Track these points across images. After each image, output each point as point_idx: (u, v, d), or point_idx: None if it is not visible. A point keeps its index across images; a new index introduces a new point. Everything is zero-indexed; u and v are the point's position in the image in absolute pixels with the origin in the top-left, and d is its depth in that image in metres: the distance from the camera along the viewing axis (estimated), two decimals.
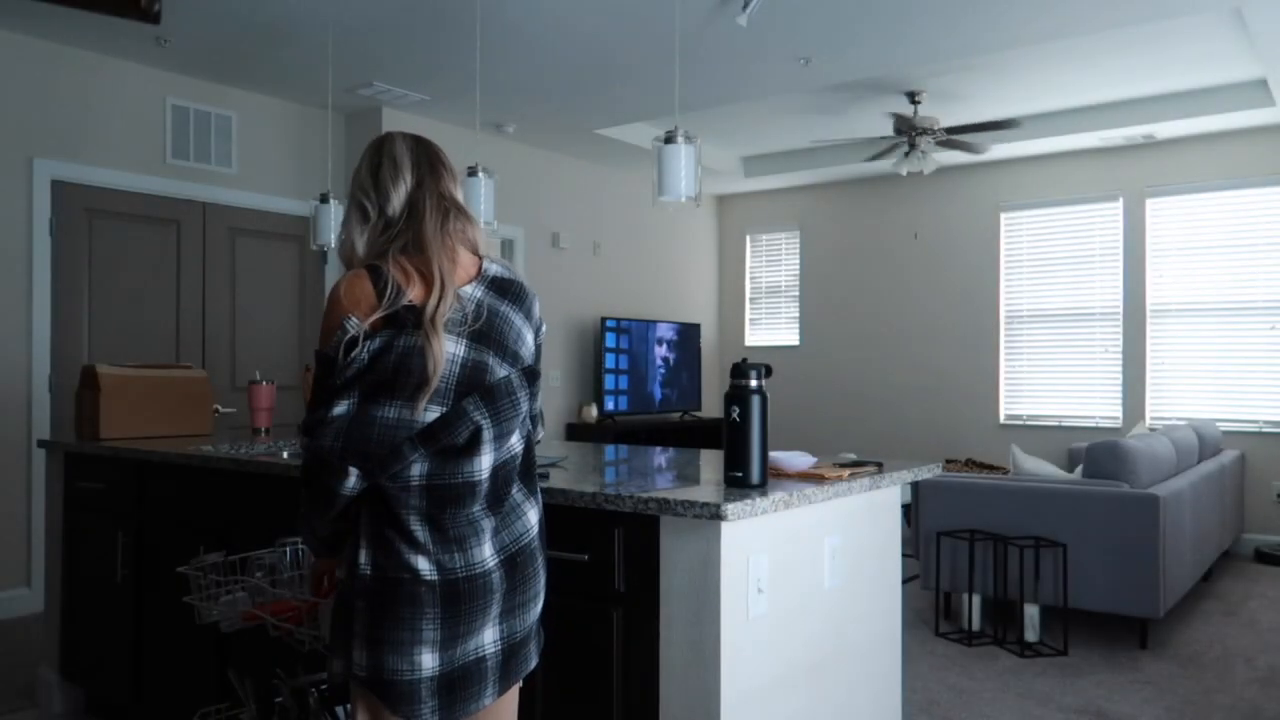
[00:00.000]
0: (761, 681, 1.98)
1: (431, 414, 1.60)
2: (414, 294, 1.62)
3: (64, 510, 3.54)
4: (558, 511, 2.02)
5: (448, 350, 1.61)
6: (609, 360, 7.51)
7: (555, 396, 7.46)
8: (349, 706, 2.14)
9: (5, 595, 4.87)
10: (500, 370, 1.68)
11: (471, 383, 1.63)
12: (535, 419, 1.83)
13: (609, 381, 7.51)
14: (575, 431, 7.45)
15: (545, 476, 2.20)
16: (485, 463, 1.63)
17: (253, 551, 2.41)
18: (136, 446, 3.18)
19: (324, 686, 2.30)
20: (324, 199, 3.99)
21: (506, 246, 7.11)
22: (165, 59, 5.27)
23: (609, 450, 3.06)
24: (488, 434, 1.63)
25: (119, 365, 3.55)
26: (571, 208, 7.61)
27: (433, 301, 1.61)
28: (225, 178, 5.74)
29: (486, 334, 1.68)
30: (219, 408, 4.54)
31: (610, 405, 7.52)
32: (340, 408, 1.60)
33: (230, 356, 5.77)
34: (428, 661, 1.59)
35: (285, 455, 2.93)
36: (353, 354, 1.59)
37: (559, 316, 7.49)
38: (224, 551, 2.50)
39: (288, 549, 2.35)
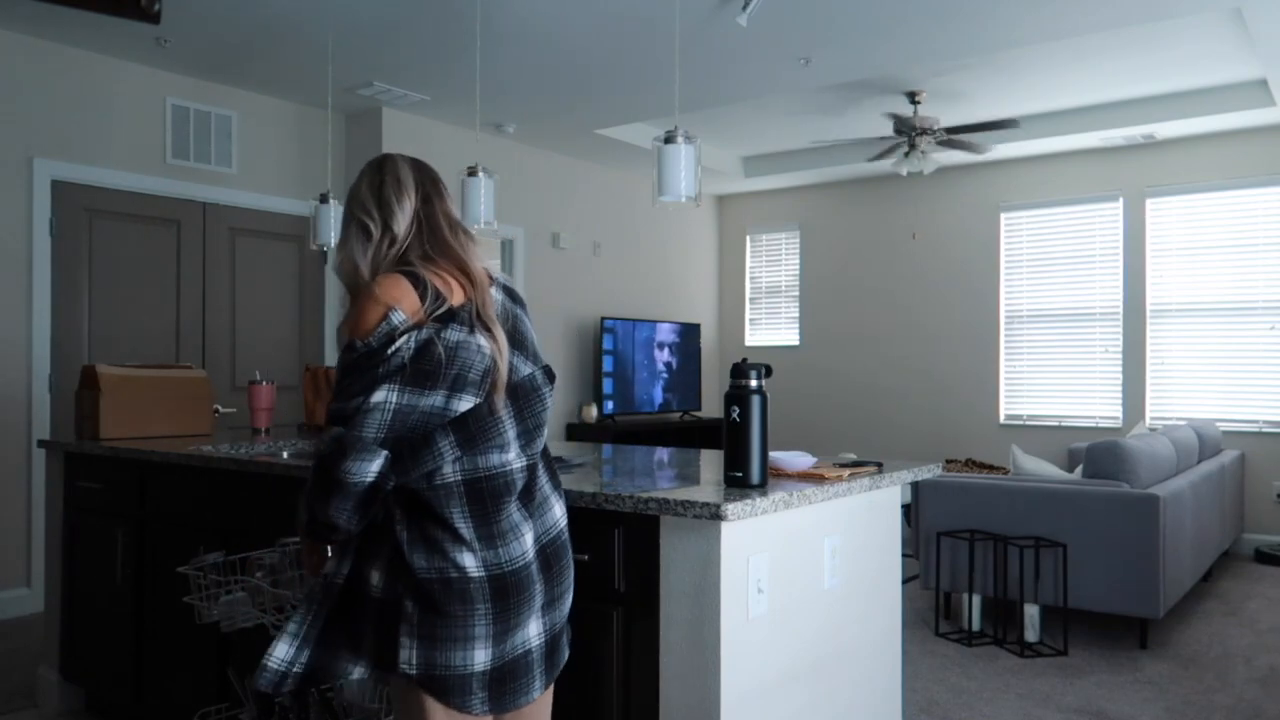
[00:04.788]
0: (761, 681, 1.98)
1: (465, 404, 1.64)
2: (455, 298, 1.67)
3: (64, 510, 3.53)
4: None
5: (485, 346, 1.66)
6: (609, 360, 7.51)
7: (555, 396, 7.44)
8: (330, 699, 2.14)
9: (5, 595, 4.87)
10: (524, 368, 1.75)
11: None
12: None
13: (609, 382, 7.51)
14: (575, 431, 7.45)
15: None
16: (513, 455, 1.68)
17: (253, 551, 2.41)
18: (136, 446, 3.18)
19: (325, 686, 2.30)
20: (324, 199, 3.99)
21: (506, 246, 7.11)
22: (165, 59, 5.27)
23: (609, 450, 3.06)
24: (512, 430, 1.69)
25: (119, 365, 3.54)
26: (571, 208, 7.61)
27: (479, 300, 1.68)
28: (225, 178, 5.74)
29: (512, 334, 1.75)
30: (219, 408, 4.54)
31: (610, 405, 7.51)
32: (379, 395, 1.58)
33: (230, 356, 5.77)
34: (480, 656, 1.63)
35: (285, 456, 2.93)
36: (396, 345, 1.59)
37: (559, 316, 7.49)
38: (224, 551, 2.50)
39: (288, 549, 2.35)
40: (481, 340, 1.65)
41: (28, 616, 4.83)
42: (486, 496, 1.64)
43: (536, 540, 1.71)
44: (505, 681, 1.66)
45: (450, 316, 1.64)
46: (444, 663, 1.61)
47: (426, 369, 1.60)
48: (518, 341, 1.76)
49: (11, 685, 3.81)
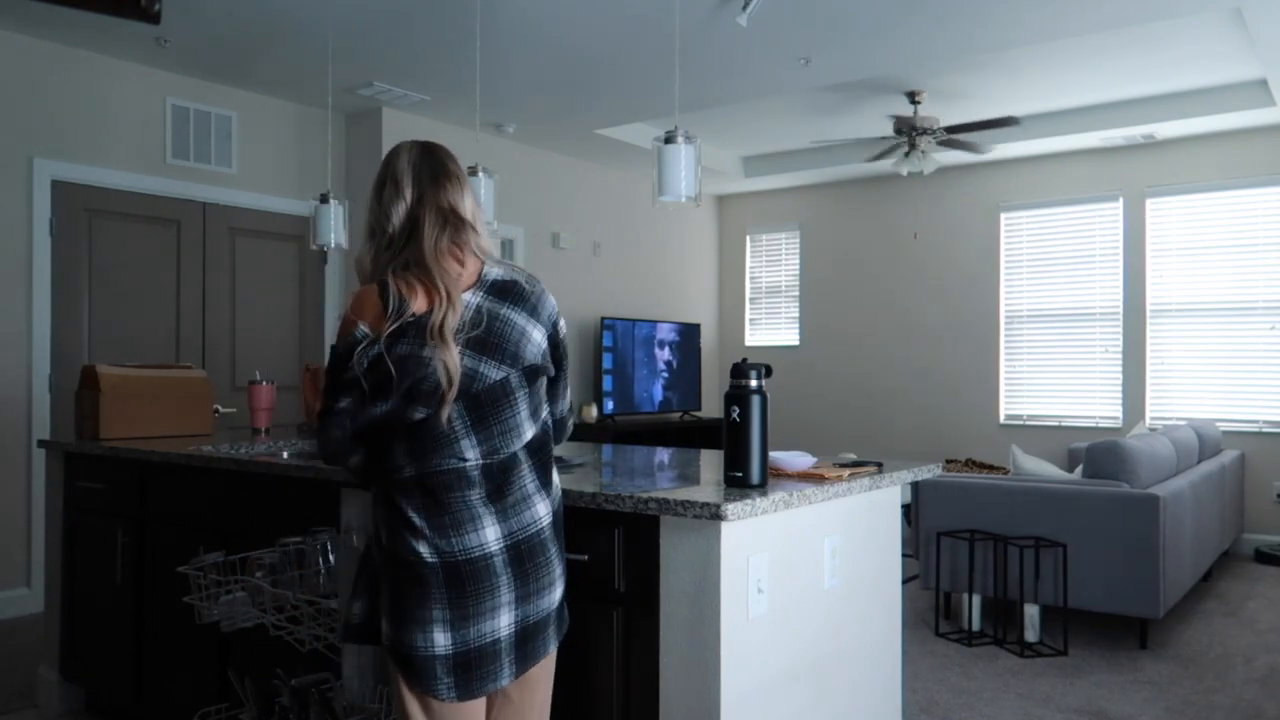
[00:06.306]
0: (761, 681, 1.98)
1: (419, 414, 1.71)
2: (417, 305, 1.72)
3: (64, 510, 3.53)
4: None
5: (437, 360, 1.69)
6: (609, 360, 7.51)
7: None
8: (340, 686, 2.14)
9: (5, 595, 4.87)
10: (494, 374, 1.75)
11: (459, 389, 1.71)
12: (556, 413, 1.93)
13: (609, 381, 7.51)
14: (575, 431, 7.43)
15: None
16: (470, 456, 1.72)
17: (253, 551, 2.41)
18: (136, 446, 3.18)
19: (325, 686, 2.30)
20: (324, 199, 3.98)
21: (506, 246, 7.11)
22: (165, 59, 5.26)
23: (609, 450, 3.06)
24: (467, 439, 1.72)
25: (119, 365, 3.55)
26: (571, 208, 7.61)
27: (437, 314, 1.70)
28: (225, 178, 5.74)
29: (484, 340, 1.75)
30: (219, 408, 4.55)
31: (610, 405, 7.51)
32: (344, 402, 1.75)
33: (230, 356, 5.77)
34: (440, 639, 1.69)
35: (285, 455, 2.93)
36: (354, 358, 1.72)
37: None
38: (224, 551, 2.50)
39: (288, 549, 2.35)
40: (433, 354, 1.69)
41: (28, 616, 4.83)
42: (437, 489, 1.70)
43: (507, 535, 1.74)
44: (471, 669, 1.72)
45: (401, 333, 1.70)
46: (408, 642, 1.70)
47: (377, 384, 1.71)
48: (490, 346, 1.75)
49: (11, 685, 3.82)
